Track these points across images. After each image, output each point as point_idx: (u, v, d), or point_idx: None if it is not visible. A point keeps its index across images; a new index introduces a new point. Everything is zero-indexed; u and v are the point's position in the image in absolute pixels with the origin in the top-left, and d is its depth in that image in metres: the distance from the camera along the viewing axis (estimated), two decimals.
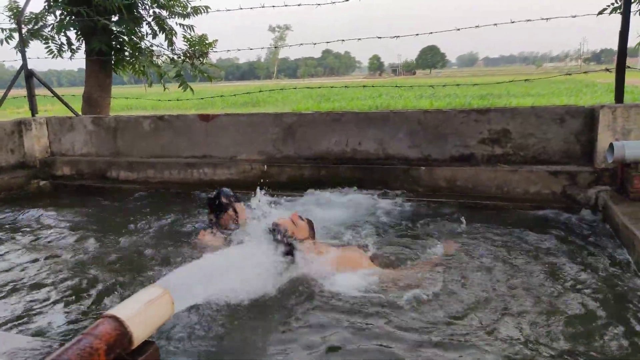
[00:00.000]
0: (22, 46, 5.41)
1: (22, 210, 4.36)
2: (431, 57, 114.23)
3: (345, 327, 2.04)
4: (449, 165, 4.05)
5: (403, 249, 3.04)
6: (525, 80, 4.13)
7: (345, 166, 4.31)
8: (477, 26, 4.02)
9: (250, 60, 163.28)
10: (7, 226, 3.97)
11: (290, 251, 2.49)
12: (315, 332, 2.01)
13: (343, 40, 5.18)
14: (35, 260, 3.08)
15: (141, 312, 1.56)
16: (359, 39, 5.36)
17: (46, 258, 3.12)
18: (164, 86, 7.51)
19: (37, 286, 2.69)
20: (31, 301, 2.50)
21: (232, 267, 2.23)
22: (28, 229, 3.84)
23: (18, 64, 5.39)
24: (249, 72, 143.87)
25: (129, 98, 6.95)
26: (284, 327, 2.07)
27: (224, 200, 3.27)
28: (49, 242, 3.51)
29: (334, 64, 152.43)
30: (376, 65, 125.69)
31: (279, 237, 2.47)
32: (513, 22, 4.46)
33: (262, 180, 4.52)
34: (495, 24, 3.95)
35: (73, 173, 5.23)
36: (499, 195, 3.85)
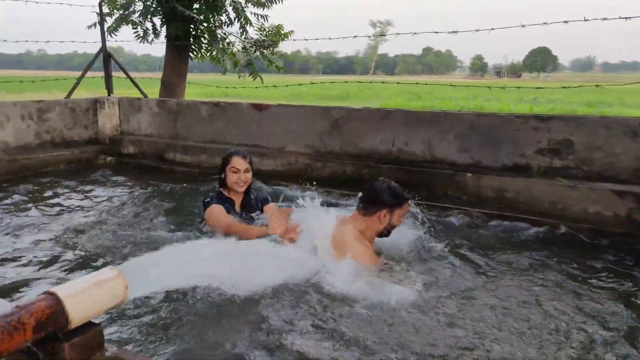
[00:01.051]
0: (102, 29, 5.79)
1: (85, 182, 4.69)
2: (541, 60, 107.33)
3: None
4: (500, 175, 3.70)
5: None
6: (596, 86, 3.63)
7: (388, 166, 4.11)
8: (545, 23, 3.60)
9: (348, 54, 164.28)
10: (66, 193, 4.27)
11: None
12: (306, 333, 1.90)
13: (437, 32, 4.91)
14: (66, 226, 3.27)
15: (84, 292, 1.54)
16: (437, 32, 5.10)
17: (80, 224, 3.30)
18: (238, 74, 7.70)
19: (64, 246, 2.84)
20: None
21: (219, 256, 2.18)
22: (81, 198, 4.11)
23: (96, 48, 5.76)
24: (347, 66, 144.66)
25: (209, 85, 7.15)
26: (259, 325, 1.98)
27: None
28: (89, 210, 3.71)
29: (433, 62, 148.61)
30: (478, 66, 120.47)
31: None
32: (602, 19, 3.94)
33: (304, 174, 4.46)
34: (566, 21, 3.51)
35: (136, 152, 5.52)
36: (553, 212, 3.45)
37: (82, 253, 2.82)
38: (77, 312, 1.52)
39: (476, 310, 2.18)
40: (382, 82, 6.29)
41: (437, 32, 4.87)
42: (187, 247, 2.10)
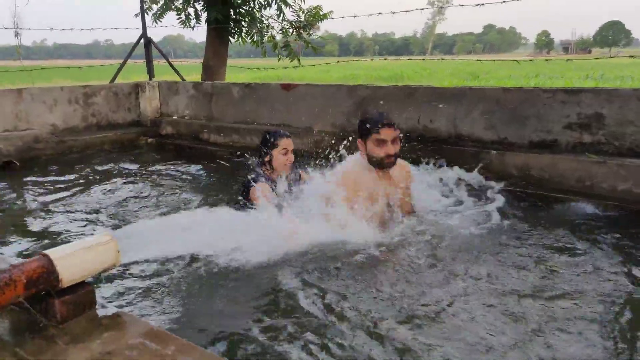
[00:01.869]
0: (143, 16, 6.03)
1: (126, 160, 4.97)
2: (613, 34, 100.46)
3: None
4: (528, 152, 3.57)
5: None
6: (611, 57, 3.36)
7: (412, 144, 4.06)
8: None
9: (406, 35, 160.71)
10: (109, 171, 4.56)
11: None
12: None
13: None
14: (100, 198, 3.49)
15: (75, 254, 1.67)
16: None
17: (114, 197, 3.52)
18: (278, 57, 7.79)
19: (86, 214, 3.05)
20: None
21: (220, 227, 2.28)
22: (121, 176, 4.38)
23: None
24: (403, 47, 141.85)
25: (243, 67, 7.29)
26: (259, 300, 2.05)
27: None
28: (126, 187, 3.94)
29: (495, 40, 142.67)
30: (544, 42, 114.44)
31: None
32: None
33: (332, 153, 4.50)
34: None
35: (174, 133, 5.75)
36: (579, 189, 3.30)
37: (113, 222, 3.00)
38: (68, 273, 1.66)
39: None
40: (423, 60, 6.10)
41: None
42: (184, 216, 2.22)
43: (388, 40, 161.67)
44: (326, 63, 5.70)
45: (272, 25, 7.53)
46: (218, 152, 5.21)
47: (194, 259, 2.16)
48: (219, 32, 7.15)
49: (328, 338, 1.73)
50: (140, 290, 2.01)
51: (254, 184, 3.02)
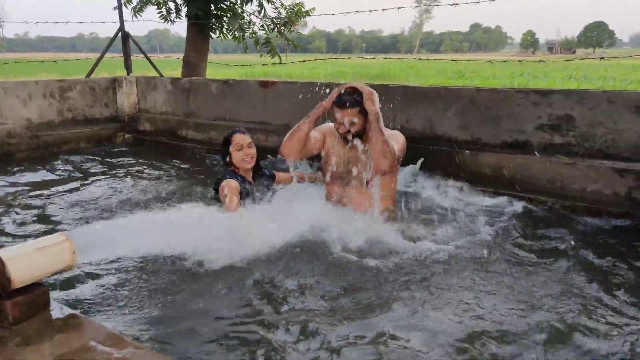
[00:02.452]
0: (120, 10, 5.94)
1: (102, 157, 4.90)
2: (597, 35, 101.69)
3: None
4: (500, 152, 3.60)
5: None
6: (601, 59, 3.43)
7: None
8: None
9: (394, 33, 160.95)
10: (83, 168, 4.49)
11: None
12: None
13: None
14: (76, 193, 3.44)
15: (27, 255, 1.64)
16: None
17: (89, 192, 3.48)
18: (260, 53, 7.73)
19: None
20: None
21: (184, 225, 2.25)
22: (97, 171, 4.32)
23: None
24: (391, 45, 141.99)
25: (223, 64, 7.21)
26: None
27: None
28: (97, 183, 3.89)
29: (481, 39, 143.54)
30: (529, 42, 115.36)
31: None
32: None
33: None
34: None
35: (152, 129, 5.68)
36: (551, 190, 3.33)
37: (82, 220, 2.95)
38: (20, 274, 1.62)
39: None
40: (400, 59, 6.10)
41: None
42: (145, 216, 2.19)
43: (375, 38, 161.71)
44: (304, 61, 5.68)
45: (254, 21, 7.47)
46: (196, 149, 5.17)
47: (154, 259, 2.13)
48: (199, 27, 7.07)
49: (282, 337, 1.72)
50: (97, 292, 1.97)
51: (222, 181, 3.01)
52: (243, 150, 3.21)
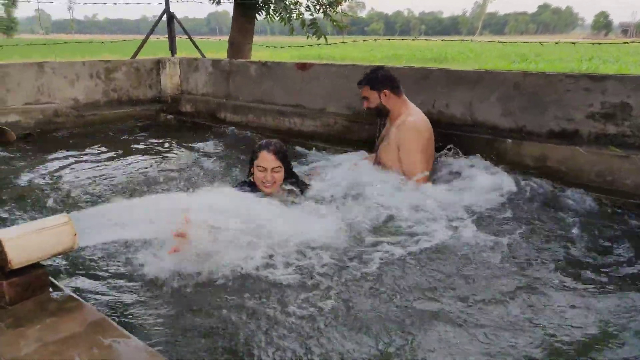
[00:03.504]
0: None
1: (142, 138, 4.99)
2: None
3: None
4: (547, 141, 3.32)
5: None
6: None
7: None
8: None
9: (454, 14, 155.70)
10: (123, 147, 4.59)
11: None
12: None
13: None
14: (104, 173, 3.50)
15: (27, 235, 1.63)
16: None
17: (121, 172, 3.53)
18: (307, 35, 7.60)
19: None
20: None
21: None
22: (134, 151, 4.41)
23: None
24: (451, 27, 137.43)
25: (270, 47, 7.15)
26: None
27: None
28: (131, 163, 3.95)
29: (550, 20, 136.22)
30: (602, 23, 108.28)
31: None
32: None
33: (343, 136, 4.37)
34: None
35: (193, 110, 5.73)
36: (599, 184, 3.05)
37: (106, 198, 2.99)
38: (18, 254, 1.62)
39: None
40: (453, 41, 5.77)
41: None
42: (150, 200, 2.15)
43: (435, 20, 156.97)
44: (342, 42, 5.51)
45: (300, 2, 7.33)
46: (230, 132, 5.16)
47: (159, 246, 2.09)
48: (244, 8, 7.04)
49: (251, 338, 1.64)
50: (98, 275, 1.97)
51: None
52: (265, 174, 2.71)
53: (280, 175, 2.76)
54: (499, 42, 4.63)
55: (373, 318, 1.76)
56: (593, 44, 4.25)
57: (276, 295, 1.89)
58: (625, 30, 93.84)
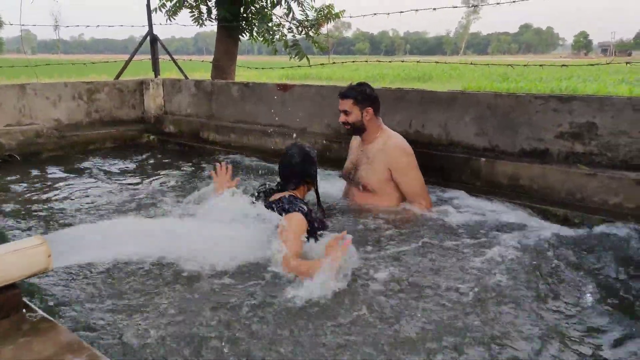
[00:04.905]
0: (149, 14, 6.06)
1: (124, 158, 5.01)
2: None
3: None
4: (519, 160, 3.43)
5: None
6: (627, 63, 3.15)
7: None
8: None
9: (439, 34, 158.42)
10: (104, 168, 4.60)
11: None
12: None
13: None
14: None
15: (2, 257, 1.65)
16: None
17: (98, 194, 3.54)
18: (289, 56, 7.73)
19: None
20: None
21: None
22: (115, 172, 4.42)
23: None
24: (436, 47, 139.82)
25: (258, 68, 7.22)
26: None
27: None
28: (111, 182, 3.96)
29: (532, 40, 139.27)
30: (582, 43, 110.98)
31: None
32: None
33: (325, 155, 4.44)
34: None
35: (176, 131, 5.77)
36: (570, 202, 3.14)
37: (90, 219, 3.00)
38: None
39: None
40: (436, 62, 5.93)
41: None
42: (125, 222, 2.19)
43: (420, 40, 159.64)
44: (321, 64, 5.62)
45: (283, 24, 7.46)
46: (213, 151, 5.20)
47: (139, 264, 2.12)
48: (228, 29, 7.14)
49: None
50: (74, 296, 1.98)
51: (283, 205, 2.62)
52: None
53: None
54: (472, 63, 4.73)
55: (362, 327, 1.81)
56: (562, 65, 4.33)
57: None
58: (604, 49, 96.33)
